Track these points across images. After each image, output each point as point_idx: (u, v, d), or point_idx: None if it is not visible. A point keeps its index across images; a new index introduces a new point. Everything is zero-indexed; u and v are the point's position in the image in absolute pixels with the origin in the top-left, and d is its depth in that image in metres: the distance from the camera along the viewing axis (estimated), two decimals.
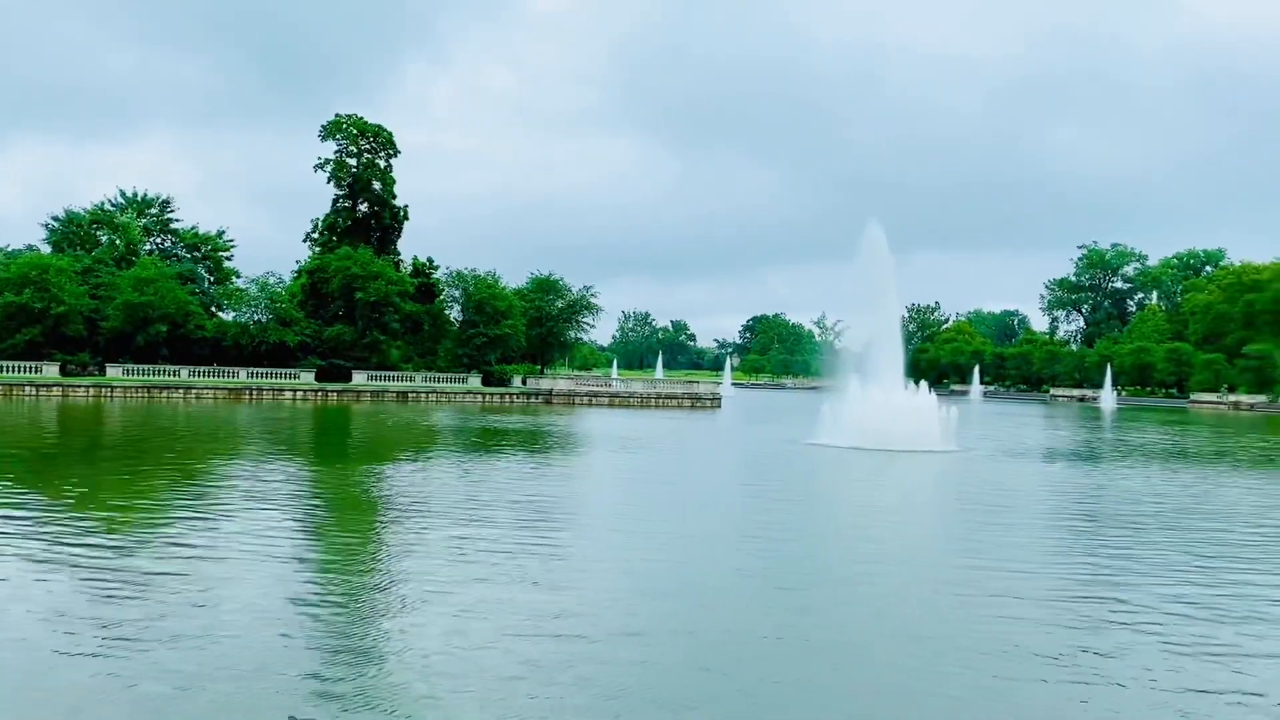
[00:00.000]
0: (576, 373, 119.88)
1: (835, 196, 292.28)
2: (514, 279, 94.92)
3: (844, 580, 13.77)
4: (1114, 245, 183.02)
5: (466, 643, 9.80)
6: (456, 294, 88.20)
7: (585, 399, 74.31)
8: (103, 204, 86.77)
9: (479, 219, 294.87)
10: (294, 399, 65.66)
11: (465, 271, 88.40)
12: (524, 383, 79.21)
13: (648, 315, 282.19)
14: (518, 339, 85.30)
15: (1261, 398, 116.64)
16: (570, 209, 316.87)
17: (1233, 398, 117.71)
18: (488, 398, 72.67)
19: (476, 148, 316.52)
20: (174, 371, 68.27)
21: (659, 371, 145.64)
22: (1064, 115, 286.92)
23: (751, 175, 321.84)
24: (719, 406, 75.28)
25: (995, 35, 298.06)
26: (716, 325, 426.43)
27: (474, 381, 77.56)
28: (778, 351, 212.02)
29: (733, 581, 13.31)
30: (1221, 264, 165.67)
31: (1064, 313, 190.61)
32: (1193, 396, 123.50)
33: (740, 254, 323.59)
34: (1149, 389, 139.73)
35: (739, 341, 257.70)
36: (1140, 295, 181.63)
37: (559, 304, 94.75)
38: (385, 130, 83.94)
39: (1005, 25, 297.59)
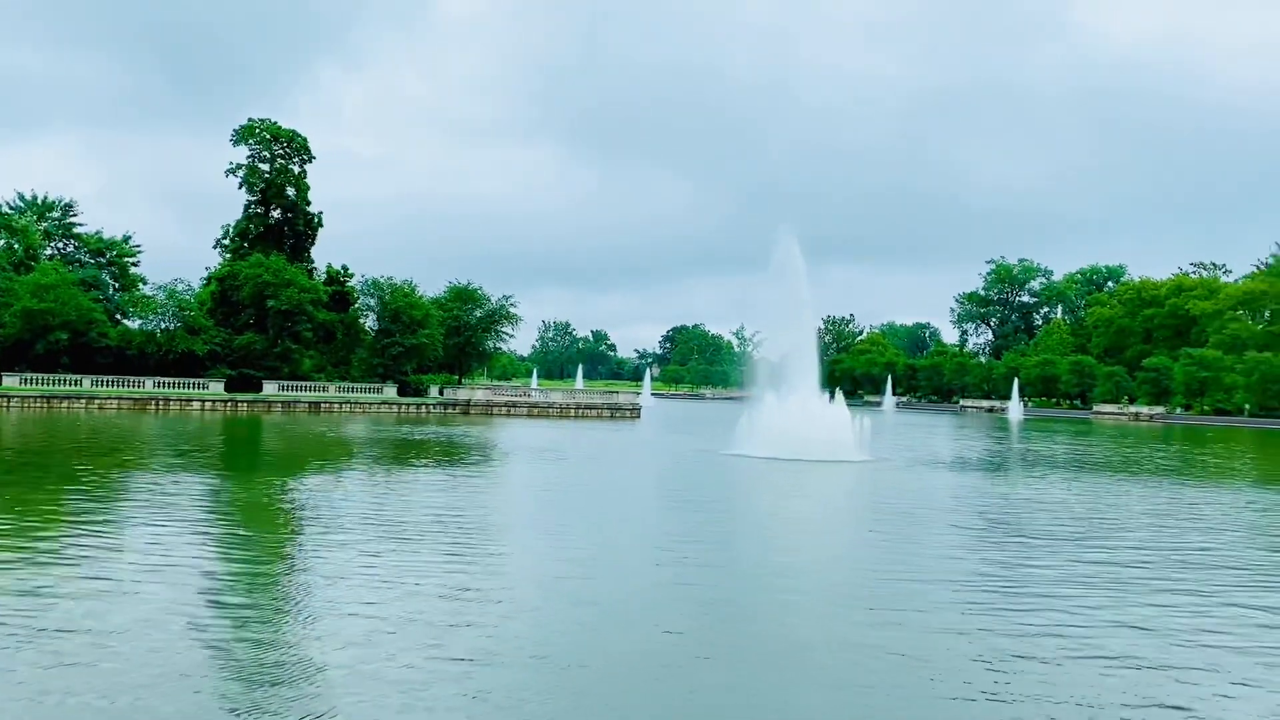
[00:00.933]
0: (495, 383, 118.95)
1: (750, 208, 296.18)
2: (431, 288, 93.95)
3: (754, 593, 13.80)
4: (1021, 260, 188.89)
5: (369, 660, 9.58)
6: (372, 302, 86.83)
7: (503, 409, 73.73)
8: (0, 206, 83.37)
9: (395, 227, 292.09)
10: (202, 410, 63.80)
11: (381, 280, 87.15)
12: (441, 393, 78.24)
13: (568, 325, 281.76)
14: (435, 348, 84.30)
15: (1160, 409, 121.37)
16: (488, 218, 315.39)
17: (1133, 409, 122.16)
18: (403, 408, 71.61)
19: (390, 155, 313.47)
20: (76, 381, 65.76)
21: (579, 382, 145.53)
22: (967, 134, 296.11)
23: (667, 185, 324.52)
24: (638, 417, 75.40)
25: (900, 54, 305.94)
26: (637, 335, 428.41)
27: (389, 392, 76.39)
28: (697, 362, 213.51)
29: (649, 599, 13.23)
30: (1122, 279, 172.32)
31: (973, 326, 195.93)
32: (1095, 408, 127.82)
33: (659, 264, 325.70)
34: (1054, 400, 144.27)
35: (659, 352, 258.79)
36: (1046, 309, 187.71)
37: (477, 313, 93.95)
38: (300, 136, 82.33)
39: (909, 45, 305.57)
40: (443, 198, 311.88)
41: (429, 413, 70.71)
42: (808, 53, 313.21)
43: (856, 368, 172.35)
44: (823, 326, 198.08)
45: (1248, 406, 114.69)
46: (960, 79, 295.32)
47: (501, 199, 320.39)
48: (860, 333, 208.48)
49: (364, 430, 48.72)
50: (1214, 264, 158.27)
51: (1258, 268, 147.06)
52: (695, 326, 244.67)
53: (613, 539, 17.94)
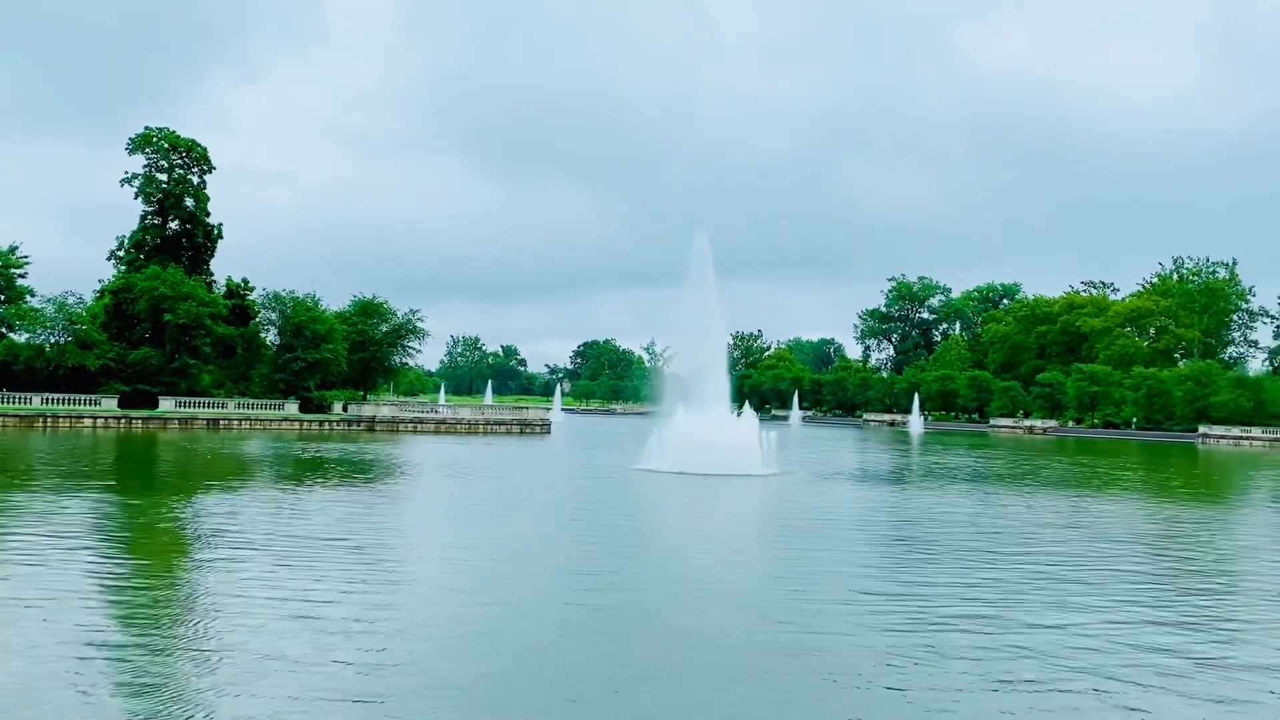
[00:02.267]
0: (402, 399, 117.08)
1: (653, 221, 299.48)
2: (335, 301, 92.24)
3: (651, 607, 13.80)
4: (921, 278, 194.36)
5: (246, 686, 9.33)
6: (273, 316, 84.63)
7: (410, 426, 72.62)
8: None
9: (295, 239, 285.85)
10: (94, 427, 61.30)
11: (283, 293, 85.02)
12: (345, 409, 76.62)
13: (477, 340, 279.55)
14: (339, 364, 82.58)
15: (1053, 422, 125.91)
16: (391, 231, 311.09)
17: (1028, 422, 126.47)
18: (306, 425, 69.96)
19: (289, 167, 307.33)
20: None
21: (488, 397, 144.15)
22: (862, 154, 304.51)
23: (570, 197, 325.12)
24: (548, 433, 75.10)
25: (792, 74, 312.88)
26: (548, 351, 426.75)
27: (291, 408, 74.53)
28: (608, 377, 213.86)
29: (552, 618, 13.12)
30: (1017, 297, 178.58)
31: (876, 341, 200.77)
32: (992, 421, 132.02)
33: (566, 278, 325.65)
34: (953, 414, 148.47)
35: (570, 367, 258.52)
36: (945, 325, 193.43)
37: (383, 328, 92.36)
38: (199, 145, 79.99)
39: (800, 65, 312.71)
40: (343, 210, 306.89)
41: (332, 429, 69.22)
42: (706, 70, 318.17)
43: (764, 383, 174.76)
44: (732, 342, 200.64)
45: (1135, 420, 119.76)
46: (851, 100, 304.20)
47: (403, 211, 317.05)
48: (768, 348, 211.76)
49: (264, 448, 47.41)
50: (1103, 283, 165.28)
51: (1143, 286, 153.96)
52: (606, 341, 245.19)
53: (518, 556, 17.74)
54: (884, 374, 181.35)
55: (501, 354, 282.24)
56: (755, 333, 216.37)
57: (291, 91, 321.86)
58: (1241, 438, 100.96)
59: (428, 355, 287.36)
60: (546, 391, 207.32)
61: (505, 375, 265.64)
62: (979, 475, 42.37)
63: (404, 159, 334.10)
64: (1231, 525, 27.00)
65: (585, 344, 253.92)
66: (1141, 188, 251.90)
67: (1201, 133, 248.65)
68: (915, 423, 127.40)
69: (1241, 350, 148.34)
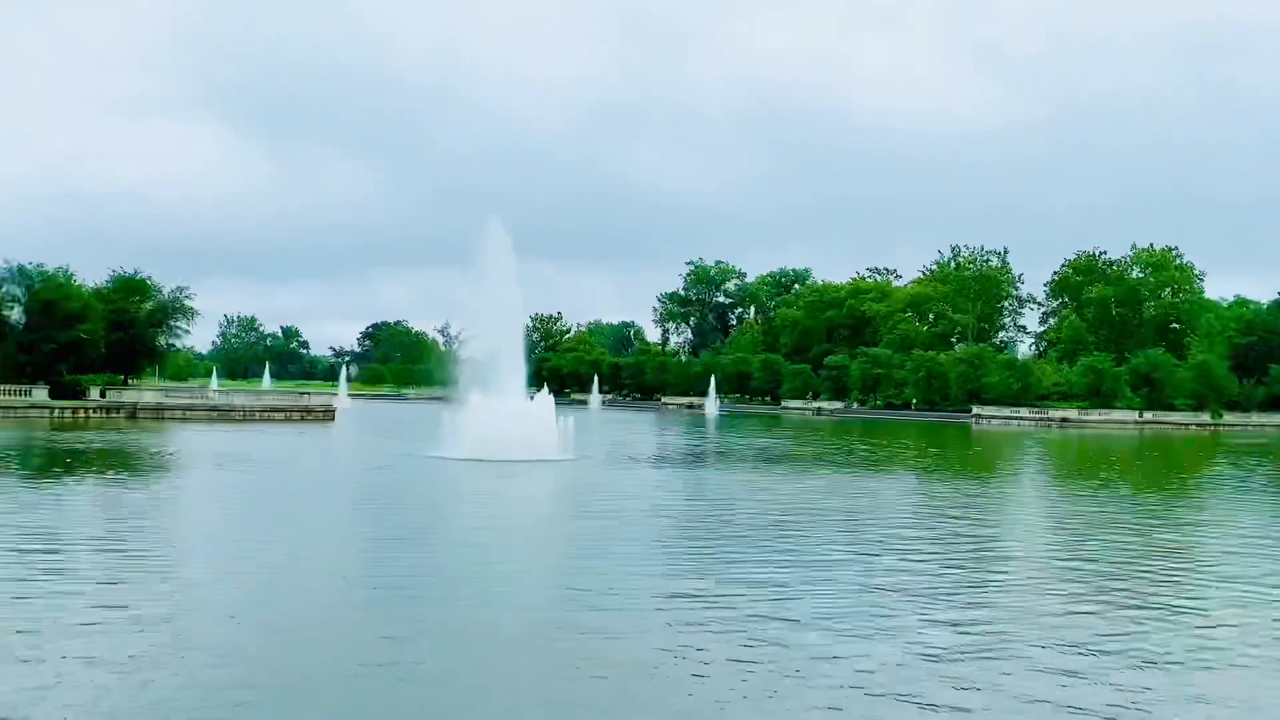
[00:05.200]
0: (169, 383, 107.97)
1: (435, 201, 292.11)
2: (91, 277, 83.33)
3: (449, 594, 13.37)
4: (718, 263, 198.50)
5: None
6: (18, 293, 76.00)
7: (178, 413, 66.42)
8: None
9: (38, 209, 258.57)
10: None
11: (29, 267, 76.37)
12: (103, 395, 69.24)
13: (254, 320, 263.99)
14: (96, 345, 74.81)
15: (839, 404, 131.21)
16: (150, 202, 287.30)
17: (816, 404, 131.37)
18: (58, 412, 62.75)
19: (21, 128, 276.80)
20: None
21: (266, 382, 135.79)
22: (647, 139, 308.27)
23: (346, 173, 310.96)
24: (333, 419, 70.78)
25: (567, 60, 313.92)
26: (333, 332, 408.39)
27: (40, 394, 66.60)
28: (399, 361, 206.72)
29: (337, 611, 12.19)
30: (807, 282, 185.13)
31: (674, 325, 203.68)
32: (784, 403, 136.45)
33: (349, 258, 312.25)
34: (748, 396, 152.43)
35: (358, 350, 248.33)
36: (740, 310, 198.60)
37: (146, 306, 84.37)
38: None
39: (575, 50, 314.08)
40: (93, 178, 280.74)
41: (89, 417, 62.45)
42: (483, 47, 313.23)
43: (564, 366, 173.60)
44: (531, 324, 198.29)
45: (914, 401, 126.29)
46: (626, 84, 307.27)
47: (162, 181, 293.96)
48: (568, 331, 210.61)
49: (9, 438, 41.79)
50: (886, 269, 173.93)
51: (923, 274, 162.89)
52: (397, 323, 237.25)
53: (299, 550, 16.59)
54: (682, 357, 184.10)
55: (281, 336, 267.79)
56: (555, 315, 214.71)
57: (21, 47, 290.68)
58: (1010, 417, 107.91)
59: (199, 336, 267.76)
60: (331, 376, 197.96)
61: (286, 358, 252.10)
62: (768, 456, 42.90)
63: (157, 124, 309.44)
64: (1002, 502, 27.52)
65: (374, 326, 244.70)
66: (915, 178, 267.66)
67: (961, 126, 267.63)
68: (711, 405, 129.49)
69: (1011, 335, 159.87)
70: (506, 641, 11.04)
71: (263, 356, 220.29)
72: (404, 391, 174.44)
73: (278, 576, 14.20)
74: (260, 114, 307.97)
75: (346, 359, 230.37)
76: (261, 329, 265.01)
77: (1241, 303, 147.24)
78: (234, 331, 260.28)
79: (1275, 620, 12.77)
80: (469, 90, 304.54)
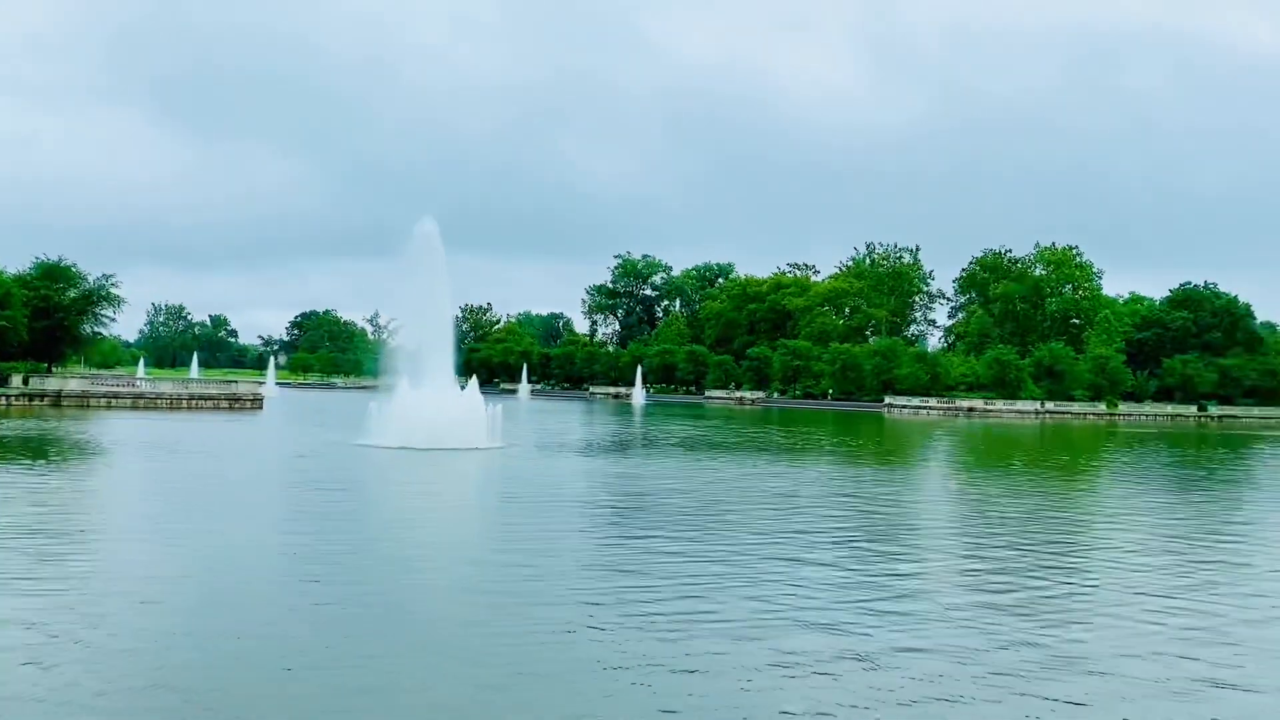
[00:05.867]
0: (95, 371, 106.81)
1: (363, 190, 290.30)
2: (12, 263, 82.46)
3: (378, 583, 13.67)
4: (645, 256, 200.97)
5: None
6: None
7: (103, 401, 66.53)
8: None
9: None
10: None
11: None
12: (26, 383, 69.00)
13: (182, 309, 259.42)
14: (18, 332, 74.23)
15: (760, 394, 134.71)
16: (75, 190, 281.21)
17: (739, 394, 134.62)
18: None
19: None
20: None
21: (194, 370, 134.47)
22: (571, 133, 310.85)
23: (271, 160, 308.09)
24: (260, 407, 71.26)
25: (494, 53, 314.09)
26: (262, 321, 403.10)
27: None
28: (328, 350, 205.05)
29: (267, 596, 12.76)
30: (731, 276, 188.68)
31: (603, 316, 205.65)
32: (708, 393, 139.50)
33: (274, 245, 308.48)
34: (673, 386, 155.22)
35: (287, 339, 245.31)
36: (666, 302, 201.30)
37: (71, 293, 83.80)
38: None
39: (501, 45, 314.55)
40: (15, 165, 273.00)
41: (10, 405, 62.19)
42: (407, 35, 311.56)
43: (494, 356, 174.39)
44: (460, 314, 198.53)
45: (831, 391, 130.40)
46: (550, 79, 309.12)
47: (86, 169, 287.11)
48: (498, 321, 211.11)
49: None
50: (806, 265, 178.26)
51: (840, 269, 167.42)
52: (326, 313, 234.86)
53: (226, 538, 16.81)
54: (610, 348, 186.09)
55: (210, 324, 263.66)
56: (485, 306, 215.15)
57: None
58: (920, 407, 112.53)
59: (126, 325, 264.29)
60: (260, 364, 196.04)
61: (214, 347, 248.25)
62: (699, 444, 44.83)
63: (82, 112, 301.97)
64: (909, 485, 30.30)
65: (303, 315, 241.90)
66: (831, 176, 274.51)
67: (870, 127, 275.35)
68: (638, 395, 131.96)
69: (922, 328, 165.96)
70: (424, 625, 11.31)
71: (191, 345, 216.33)
72: (333, 380, 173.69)
73: (199, 565, 14.01)
74: (186, 101, 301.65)
75: (275, 347, 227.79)
76: (190, 317, 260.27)
77: (1136, 299, 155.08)
78: (162, 320, 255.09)
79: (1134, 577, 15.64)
80: (398, 84, 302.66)
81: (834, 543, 17.88)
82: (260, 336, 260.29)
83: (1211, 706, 9.17)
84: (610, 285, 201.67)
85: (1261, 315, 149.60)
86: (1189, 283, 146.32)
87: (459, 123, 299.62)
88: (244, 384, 79.91)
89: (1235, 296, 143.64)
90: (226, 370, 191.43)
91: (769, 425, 68.42)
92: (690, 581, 13.83)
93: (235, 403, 71.40)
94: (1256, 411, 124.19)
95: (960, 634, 11.43)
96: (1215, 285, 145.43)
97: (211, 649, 9.96)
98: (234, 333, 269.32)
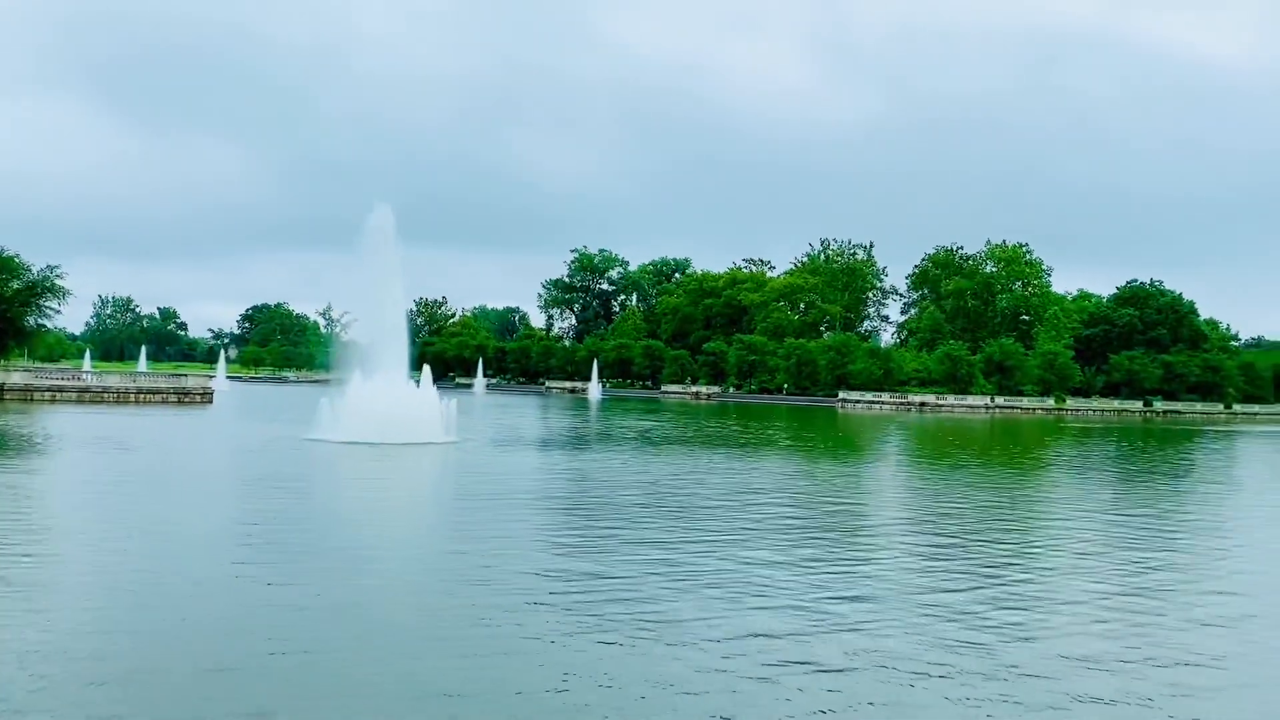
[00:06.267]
0: (39, 365, 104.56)
1: (313, 181, 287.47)
2: None
3: (329, 582, 13.50)
4: (601, 251, 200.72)
5: None
6: None
7: (47, 394, 65.19)
8: None
9: None
10: None
11: None
12: None
13: (129, 301, 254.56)
14: None
15: (716, 388, 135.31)
16: (16, 180, 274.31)
17: (694, 388, 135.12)
18: None
19: None
20: None
21: (142, 363, 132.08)
22: (526, 127, 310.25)
23: (218, 151, 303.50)
24: (210, 402, 70.24)
25: (444, 43, 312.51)
26: (212, 314, 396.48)
27: None
28: (280, 343, 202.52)
29: (215, 592, 12.61)
30: (687, 271, 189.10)
31: (559, 311, 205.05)
32: (664, 387, 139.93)
33: (223, 236, 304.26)
34: (629, 381, 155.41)
35: (238, 332, 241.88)
36: (623, 297, 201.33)
37: (14, 285, 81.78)
38: None
39: (451, 35, 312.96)
40: None
41: None
42: (358, 25, 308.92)
43: (448, 350, 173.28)
44: (415, 308, 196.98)
45: (786, 386, 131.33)
46: (501, 69, 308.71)
47: (27, 159, 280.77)
48: (453, 315, 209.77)
49: None
50: (762, 260, 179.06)
51: (795, 265, 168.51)
52: (278, 305, 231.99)
53: (175, 535, 16.58)
54: (566, 342, 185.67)
55: (159, 317, 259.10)
56: (440, 299, 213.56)
57: None
58: (874, 402, 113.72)
59: (71, 317, 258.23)
60: (211, 358, 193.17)
61: (163, 340, 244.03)
62: (647, 438, 45.01)
63: (23, 100, 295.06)
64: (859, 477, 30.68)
65: (254, 307, 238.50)
66: (786, 172, 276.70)
67: (823, 125, 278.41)
68: (594, 389, 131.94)
69: (876, 324, 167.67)
70: (370, 625, 11.18)
71: (139, 338, 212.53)
72: (285, 374, 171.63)
73: (146, 564, 13.70)
74: (130, 90, 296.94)
75: (226, 341, 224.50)
76: (138, 310, 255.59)
77: (1084, 296, 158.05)
78: (109, 312, 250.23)
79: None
80: (348, 74, 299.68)
81: (788, 536, 18.09)
82: (210, 329, 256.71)
83: (1153, 684, 9.43)
84: (567, 279, 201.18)
85: (1205, 313, 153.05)
86: (1135, 281, 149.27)
87: (411, 113, 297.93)
88: (193, 377, 78.74)
89: (1180, 294, 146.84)
90: (175, 364, 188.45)
91: (725, 420, 68.83)
92: (647, 578, 13.86)
93: (184, 397, 70.32)
94: (1199, 407, 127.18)
95: (915, 625, 11.61)
96: (1161, 283, 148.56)
97: (155, 649, 9.77)
98: (183, 325, 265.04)
